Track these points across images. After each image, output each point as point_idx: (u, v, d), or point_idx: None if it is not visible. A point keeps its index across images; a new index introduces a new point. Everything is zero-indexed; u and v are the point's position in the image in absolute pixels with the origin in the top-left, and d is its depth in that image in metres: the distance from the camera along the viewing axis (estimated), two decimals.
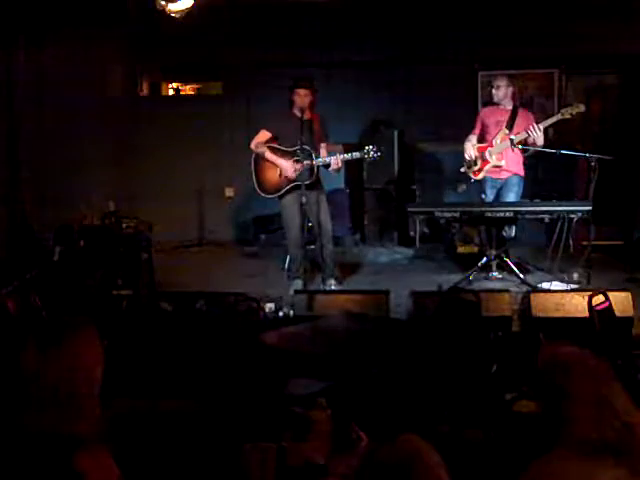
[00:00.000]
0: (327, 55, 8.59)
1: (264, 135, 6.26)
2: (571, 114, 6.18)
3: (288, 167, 6.10)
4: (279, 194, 6.19)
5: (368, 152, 5.99)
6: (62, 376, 1.85)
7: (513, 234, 6.44)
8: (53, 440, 1.77)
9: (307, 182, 5.98)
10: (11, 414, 1.85)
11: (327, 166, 6.11)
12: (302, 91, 6.07)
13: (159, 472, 2.30)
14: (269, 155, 6.19)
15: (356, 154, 6.07)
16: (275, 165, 6.18)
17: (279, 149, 6.19)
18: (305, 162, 6.00)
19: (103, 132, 8.21)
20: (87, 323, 2.00)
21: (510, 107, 6.51)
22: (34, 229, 6.73)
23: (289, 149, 6.12)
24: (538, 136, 6.19)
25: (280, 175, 6.17)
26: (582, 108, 6.19)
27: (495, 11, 8.07)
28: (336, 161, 6.02)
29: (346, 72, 8.72)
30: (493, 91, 6.53)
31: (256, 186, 6.28)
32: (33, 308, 4.41)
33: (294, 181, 6.06)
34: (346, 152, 6.14)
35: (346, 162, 6.15)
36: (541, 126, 6.21)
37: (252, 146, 6.26)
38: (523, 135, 6.24)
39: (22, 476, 1.75)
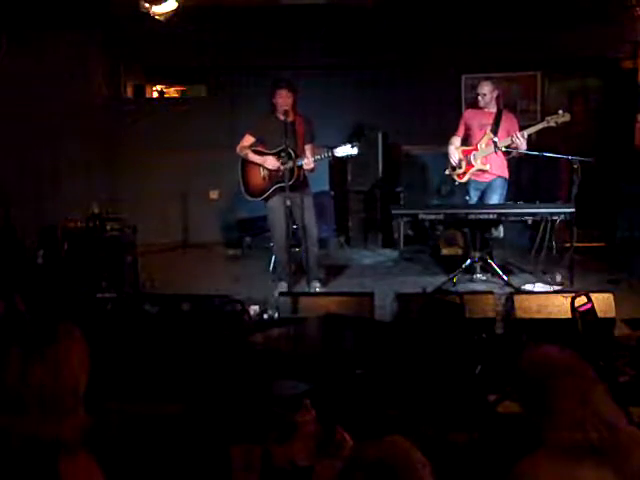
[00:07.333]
0: (311, 58, 8.60)
1: (248, 139, 6.24)
2: (556, 122, 6.16)
3: (271, 160, 6.05)
4: (263, 197, 6.17)
5: (353, 147, 6.01)
6: (46, 380, 1.84)
7: (502, 235, 6.46)
8: (36, 444, 1.76)
9: (290, 183, 5.92)
10: None
11: (301, 166, 6.09)
12: (283, 92, 6.01)
13: (145, 475, 2.29)
14: (252, 156, 6.17)
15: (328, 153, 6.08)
16: (258, 166, 6.16)
17: (263, 152, 6.16)
18: (288, 164, 5.97)
19: (87, 134, 8.17)
20: (72, 326, 1.99)
21: (494, 110, 6.51)
22: (17, 231, 6.68)
23: (272, 151, 6.09)
24: (521, 142, 6.22)
25: (264, 178, 6.15)
26: (567, 117, 6.16)
27: (479, 15, 8.11)
28: (307, 161, 6.02)
29: (330, 75, 8.73)
30: (479, 98, 6.49)
31: (242, 189, 6.27)
32: (17, 312, 4.38)
33: (277, 183, 6.02)
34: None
35: (330, 165, 6.13)
36: (525, 133, 6.25)
37: (237, 150, 6.25)
38: (507, 141, 6.26)
39: None
